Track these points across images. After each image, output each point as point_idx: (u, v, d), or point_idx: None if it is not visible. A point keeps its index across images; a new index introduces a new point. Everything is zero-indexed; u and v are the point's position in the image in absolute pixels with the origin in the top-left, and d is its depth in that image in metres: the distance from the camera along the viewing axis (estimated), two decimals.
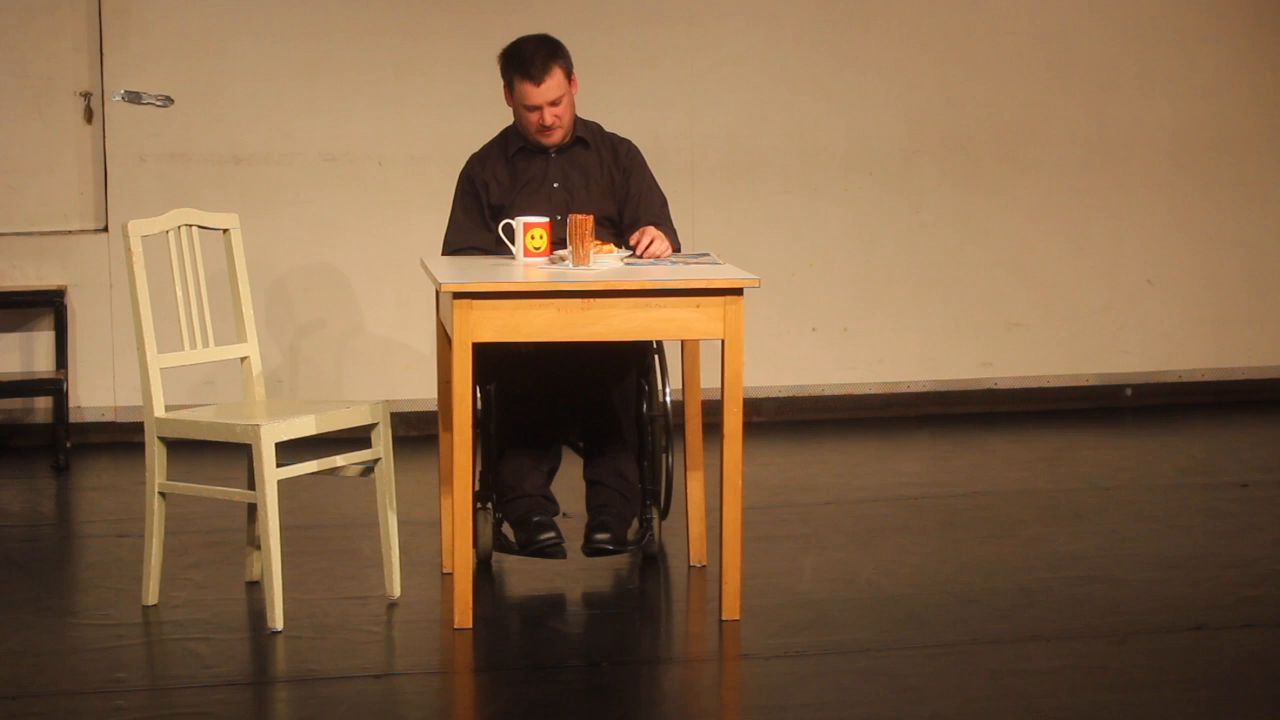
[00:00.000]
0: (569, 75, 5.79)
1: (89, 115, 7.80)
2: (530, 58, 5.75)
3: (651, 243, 5.61)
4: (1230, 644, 5.11)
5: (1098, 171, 8.47)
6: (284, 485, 5.32)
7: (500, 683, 4.92)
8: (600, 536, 5.68)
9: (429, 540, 6.10)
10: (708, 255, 5.73)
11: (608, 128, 5.98)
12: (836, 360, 8.34)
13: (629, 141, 5.96)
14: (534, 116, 5.78)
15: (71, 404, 7.71)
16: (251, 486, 5.38)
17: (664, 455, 5.90)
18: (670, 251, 5.67)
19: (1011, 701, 4.68)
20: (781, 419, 8.29)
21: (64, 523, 6.83)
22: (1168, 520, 6.47)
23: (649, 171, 5.94)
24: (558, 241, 5.65)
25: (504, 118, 5.94)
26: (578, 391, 5.82)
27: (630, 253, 5.60)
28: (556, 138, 5.82)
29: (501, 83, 5.84)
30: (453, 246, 5.86)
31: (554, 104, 5.77)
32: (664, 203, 5.92)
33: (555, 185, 5.84)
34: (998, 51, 8.33)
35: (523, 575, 5.80)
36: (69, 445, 7.49)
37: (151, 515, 5.41)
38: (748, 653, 5.09)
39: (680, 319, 5.19)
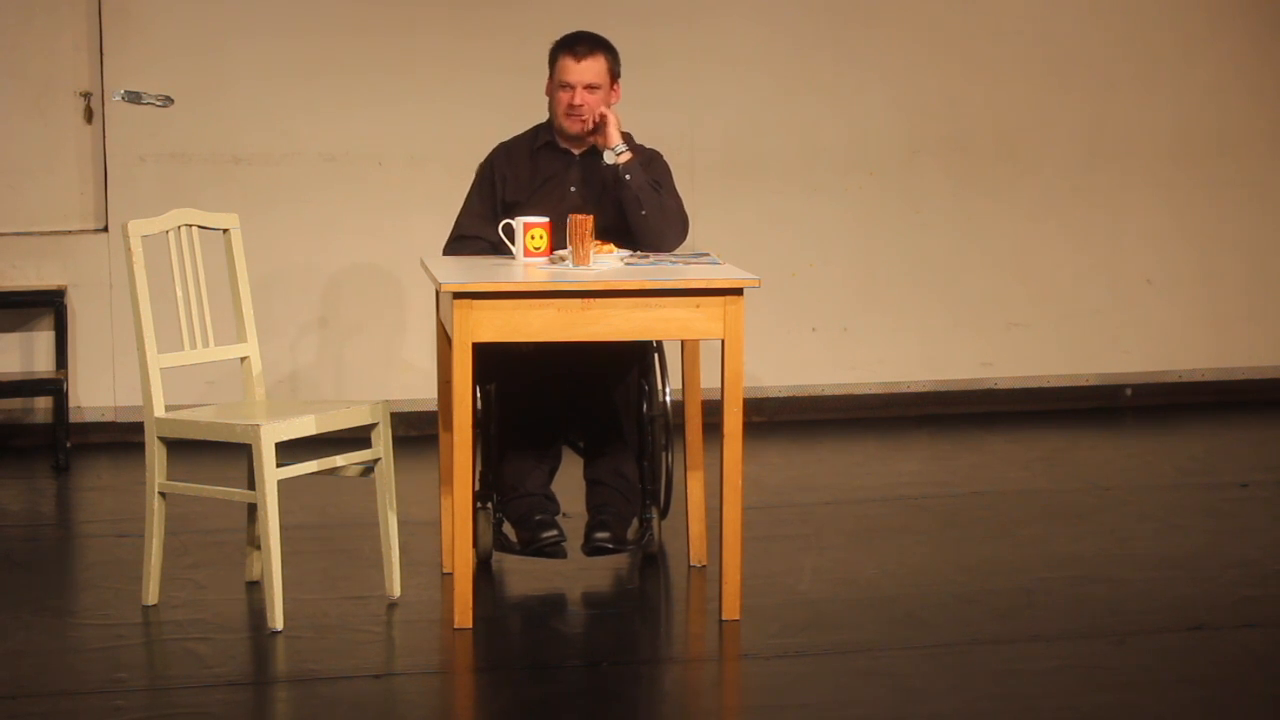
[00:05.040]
0: (613, 75, 5.77)
1: (89, 115, 7.80)
2: (578, 37, 5.77)
3: (602, 118, 5.63)
4: (1230, 644, 5.11)
5: (1098, 171, 8.47)
6: (284, 485, 5.31)
7: (500, 683, 4.92)
8: (600, 536, 5.68)
9: (429, 540, 6.10)
10: (708, 255, 5.72)
11: None
12: (836, 360, 8.34)
13: (657, 152, 5.92)
14: (565, 95, 5.74)
15: (71, 404, 7.70)
16: (251, 486, 5.38)
17: (664, 455, 5.89)
18: (617, 133, 5.67)
19: (1011, 701, 4.68)
20: (781, 419, 8.29)
21: (64, 523, 6.83)
22: (1168, 520, 6.47)
23: (672, 182, 5.90)
24: (558, 242, 5.63)
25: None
26: (578, 391, 5.82)
27: (630, 253, 5.59)
28: (578, 127, 5.78)
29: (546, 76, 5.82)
30: (462, 229, 5.83)
31: (589, 89, 5.73)
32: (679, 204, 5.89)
33: (572, 189, 5.81)
34: (998, 51, 8.33)
35: (523, 575, 5.80)
36: (69, 445, 7.49)
37: (151, 515, 5.40)
38: (748, 653, 5.09)
39: (680, 319, 5.19)
